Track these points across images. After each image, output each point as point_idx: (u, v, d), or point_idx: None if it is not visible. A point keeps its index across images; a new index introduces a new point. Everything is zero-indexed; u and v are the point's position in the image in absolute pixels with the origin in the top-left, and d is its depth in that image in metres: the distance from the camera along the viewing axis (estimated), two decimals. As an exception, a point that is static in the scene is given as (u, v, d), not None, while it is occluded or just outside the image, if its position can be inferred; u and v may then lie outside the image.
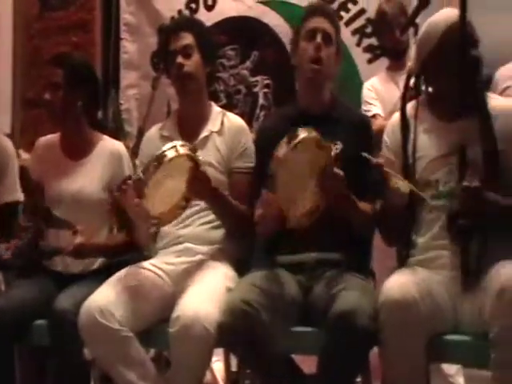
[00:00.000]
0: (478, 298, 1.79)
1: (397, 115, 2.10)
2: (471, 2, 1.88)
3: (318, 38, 2.10)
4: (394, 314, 1.75)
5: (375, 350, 1.84)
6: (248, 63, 3.50)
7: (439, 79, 1.97)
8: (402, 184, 1.88)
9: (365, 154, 1.91)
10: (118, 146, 2.41)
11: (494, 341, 1.70)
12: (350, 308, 1.76)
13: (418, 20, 2.61)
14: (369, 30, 3.24)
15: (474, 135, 1.89)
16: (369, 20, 3.22)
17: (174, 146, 1.91)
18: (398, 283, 1.81)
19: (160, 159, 1.87)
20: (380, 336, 1.78)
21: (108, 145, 2.40)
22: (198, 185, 2.00)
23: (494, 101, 1.97)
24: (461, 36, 1.85)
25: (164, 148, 1.91)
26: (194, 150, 1.98)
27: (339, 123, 2.13)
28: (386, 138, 2.10)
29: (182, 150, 1.92)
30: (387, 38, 2.92)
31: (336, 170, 1.89)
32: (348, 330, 1.74)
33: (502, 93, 2.89)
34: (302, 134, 1.82)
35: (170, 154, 1.89)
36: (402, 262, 2.01)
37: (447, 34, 1.90)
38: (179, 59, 2.24)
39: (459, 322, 1.87)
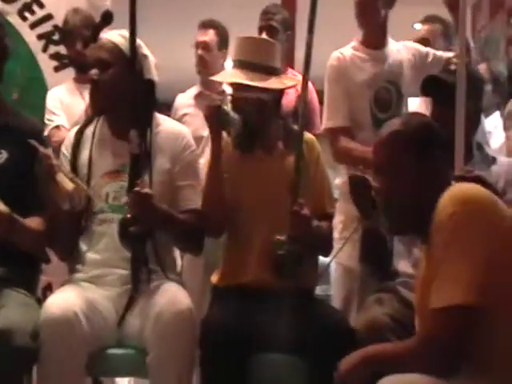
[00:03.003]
0: (143, 313, 1.86)
1: (76, 127, 2.10)
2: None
3: None
4: (53, 332, 1.72)
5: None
6: None
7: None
8: (66, 181, 1.87)
9: (32, 142, 1.88)
10: None
11: (151, 364, 1.79)
12: (7, 326, 1.68)
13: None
14: (56, 37, 3.14)
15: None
16: (56, 27, 3.13)
17: None
18: (60, 300, 1.79)
19: None
20: (39, 354, 1.73)
21: None
22: None
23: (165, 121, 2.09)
24: (131, 57, 1.92)
25: None
26: None
27: (6, 130, 2.00)
28: (63, 149, 2.07)
29: None
30: (72, 49, 2.88)
31: None
32: (4, 349, 1.65)
33: (180, 119, 3.07)
34: None
35: None
36: (73, 277, 1.98)
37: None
38: None
39: (124, 336, 1.91)
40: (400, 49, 2.54)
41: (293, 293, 1.92)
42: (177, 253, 2.37)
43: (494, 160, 2.12)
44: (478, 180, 1.82)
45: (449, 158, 1.59)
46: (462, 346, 1.34)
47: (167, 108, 3.03)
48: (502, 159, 2.16)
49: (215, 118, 1.98)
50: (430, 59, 2.54)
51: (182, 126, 2.18)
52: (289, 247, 1.90)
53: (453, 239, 1.38)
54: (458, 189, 1.48)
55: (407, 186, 1.51)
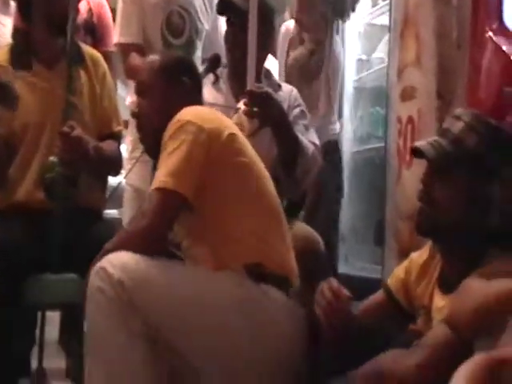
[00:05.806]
0: None
1: None
2: None
3: None
4: None
5: None
6: None
7: None
8: None
9: None
10: None
11: None
12: None
13: None
14: None
15: None
16: None
17: None
18: None
19: None
20: None
21: None
22: None
23: None
24: None
25: None
26: None
27: None
28: None
29: None
30: None
31: None
32: None
33: None
34: None
35: None
36: None
37: None
38: None
39: None
40: None
41: (75, 213, 1.86)
42: None
43: (279, 86, 2.21)
44: (267, 95, 1.90)
45: (198, 89, 1.71)
46: (167, 223, 1.47)
47: None
48: (285, 85, 2.26)
49: None
50: None
51: None
52: (59, 169, 1.82)
53: (174, 135, 1.48)
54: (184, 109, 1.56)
55: (156, 108, 1.61)
